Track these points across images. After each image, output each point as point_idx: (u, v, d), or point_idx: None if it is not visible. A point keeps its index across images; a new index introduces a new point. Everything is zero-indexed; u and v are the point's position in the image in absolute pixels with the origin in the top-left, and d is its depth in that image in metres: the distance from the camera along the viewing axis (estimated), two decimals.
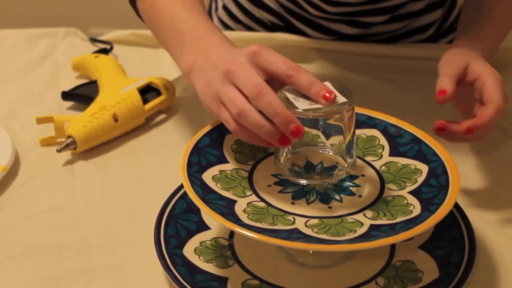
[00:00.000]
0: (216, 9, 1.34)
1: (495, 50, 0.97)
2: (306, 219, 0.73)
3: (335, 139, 0.77)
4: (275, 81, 0.77)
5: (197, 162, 0.78)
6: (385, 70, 1.20)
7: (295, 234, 0.70)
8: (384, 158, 0.82)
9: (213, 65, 0.81)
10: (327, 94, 0.73)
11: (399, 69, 1.21)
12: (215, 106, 0.79)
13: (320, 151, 0.79)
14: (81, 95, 1.10)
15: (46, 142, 1.02)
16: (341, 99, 0.74)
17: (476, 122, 0.83)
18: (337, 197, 0.76)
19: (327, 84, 0.76)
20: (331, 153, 0.78)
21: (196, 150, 0.80)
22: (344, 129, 0.75)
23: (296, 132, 0.72)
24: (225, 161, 0.80)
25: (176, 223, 0.83)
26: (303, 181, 0.77)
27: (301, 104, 0.74)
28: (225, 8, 1.31)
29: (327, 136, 0.77)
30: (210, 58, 0.82)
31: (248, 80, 0.75)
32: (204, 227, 0.84)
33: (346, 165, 0.77)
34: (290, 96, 0.75)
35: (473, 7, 1.00)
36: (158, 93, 1.09)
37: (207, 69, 0.81)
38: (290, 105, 0.74)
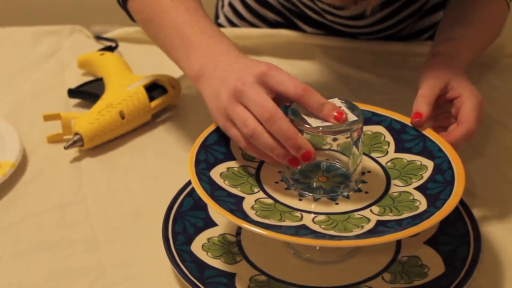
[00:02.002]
0: (222, 6, 1.35)
1: (474, 61, 0.97)
2: (314, 215, 0.74)
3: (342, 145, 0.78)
4: (282, 96, 0.77)
5: (204, 160, 0.79)
6: (389, 67, 1.21)
7: (302, 230, 0.70)
8: (389, 155, 0.82)
9: (222, 75, 0.81)
10: (337, 114, 0.74)
11: (403, 65, 1.21)
12: (222, 120, 0.79)
13: (327, 152, 0.79)
14: (88, 93, 1.10)
15: (54, 139, 1.02)
16: (351, 117, 0.75)
17: (445, 138, 0.83)
18: (344, 193, 0.77)
19: (336, 101, 0.76)
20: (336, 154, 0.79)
21: (204, 147, 0.80)
22: (351, 146, 0.76)
23: (307, 156, 0.73)
24: (232, 158, 0.81)
25: (184, 220, 0.84)
26: (306, 193, 0.77)
27: (313, 121, 0.75)
28: (230, 5, 1.32)
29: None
30: (219, 66, 0.82)
31: (258, 103, 0.75)
32: (211, 223, 0.85)
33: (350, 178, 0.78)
34: (301, 112, 0.76)
35: (455, 15, 1.00)
36: (164, 90, 1.09)
37: (216, 77, 0.82)
38: (301, 121, 0.75)
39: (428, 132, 0.83)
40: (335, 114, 0.74)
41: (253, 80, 0.77)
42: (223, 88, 0.79)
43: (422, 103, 0.85)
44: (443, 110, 0.89)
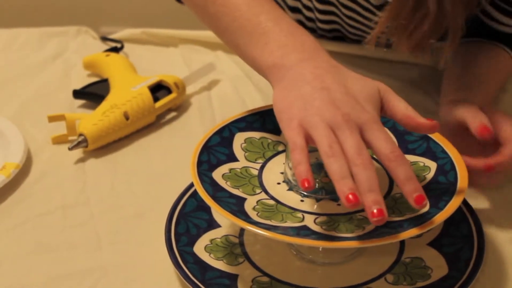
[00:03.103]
0: None
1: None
2: (315, 216, 0.73)
3: None
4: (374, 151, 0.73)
5: (207, 161, 0.79)
6: (397, 68, 1.20)
7: (304, 231, 0.70)
8: None
9: (315, 83, 0.74)
10: (417, 198, 0.68)
11: (409, 68, 1.20)
12: (295, 123, 0.72)
13: None
14: (92, 94, 1.10)
15: (58, 140, 1.03)
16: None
17: (497, 159, 0.83)
18: None
19: None
20: None
21: (206, 148, 0.80)
22: None
23: (378, 214, 0.66)
24: (235, 159, 0.81)
25: (187, 221, 0.84)
26: (308, 194, 0.77)
27: None
28: None
29: None
30: (309, 65, 0.76)
31: (355, 146, 0.69)
32: (214, 225, 0.84)
33: None
34: None
35: (462, 76, 0.99)
36: (168, 91, 1.09)
37: (302, 75, 0.75)
38: None
39: (432, 134, 0.82)
40: (416, 196, 0.68)
41: (354, 124, 0.71)
42: (315, 96, 0.73)
43: (482, 116, 0.84)
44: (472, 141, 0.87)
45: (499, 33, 1.00)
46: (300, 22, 1.22)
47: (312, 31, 1.24)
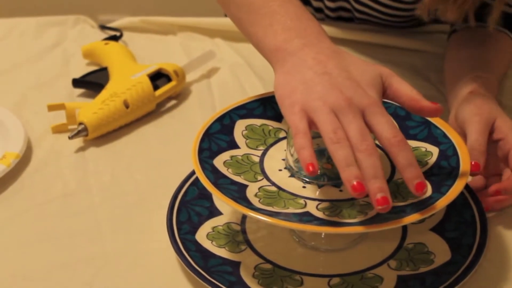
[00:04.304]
0: None
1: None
2: (318, 202, 0.73)
3: None
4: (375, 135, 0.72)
5: (208, 148, 0.78)
6: (395, 54, 1.20)
7: (306, 217, 0.70)
8: None
9: (317, 68, 0.73)
10: (417, 185, 0.68)
11: (409, 54, 1.20)
12: (298, 108, 0.71)
13: None
14: (92, 82, 1.10)
15: (58, 129, 1.02)
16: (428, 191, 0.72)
17: (505, 185, 0.82)
18: None
19: None
20: None
21: (207, 135, 0.80)
22: None
23: (382, 202, 0.66)
24: (236, 146, 0.80)
25: (188, 209, 0.84)
26: (310, 181, 0.77)
27: None
28: None
29: None
30: (312, 50, 0.75)
31: (358, 131, 0.69)
32: (216, 212, 0.84)
33: None
34: None
35: (472, 56, 1.01)
36: (168, 79, 1.09)
37: (304, 60, 0.74)
38: None
39: (433, 118, 0.82)
40: (416, 182, 0.68)
41: (357, 108, 0.70)
42: (316, 82, 0.72)
43: (477, 152, 0.82)
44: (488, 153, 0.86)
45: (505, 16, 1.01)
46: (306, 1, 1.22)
47: (318, 10, 1.24)
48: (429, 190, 0.73)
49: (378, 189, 0.66)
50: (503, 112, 0.89)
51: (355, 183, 0.66)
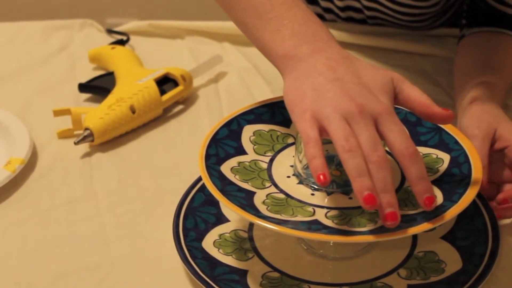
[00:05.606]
0: None
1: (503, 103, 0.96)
2: (327, 210, 0.72)
3: None
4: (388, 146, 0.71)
5: (215, 154, 0.77)
6: (405, 59, 1.19)
7: (315, 226, 0.69)
8: None
9: (328, 73, 0.72)
10: (427, 200, 0.67)
11: (419, 59, 1.19)
12: (309, 115, 0.70)
13: None
14: (98, 87, 1.09)
15: (64, 135, 1.02)
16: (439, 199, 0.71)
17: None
18: None
19: None
20: None
21: (214, 141, 0.79)
22: None
23: (391, 218, 0.66)
24: (243, 152, 0.79)
25: (195, 216, 0.83)
26: (318, 188, 0.75)
27: None
28: None
29: None
30: (321, 56, 0.74)
31: (370, 141, 0.67)
32: (223, 219, 0.83)
33: None
34: None
35: (479, 61, 1.00)
36: (175, 84, 1.08)
37: (314, 67, 0.73)
38: None
39: (444, 125, 0.81)
40: (426, 196, 0.67)
41: (369, 115, 0.69)
42: (328, 89, 0.71)
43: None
44: (493, 161, 0.85)
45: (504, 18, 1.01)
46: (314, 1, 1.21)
47: (328, 11, 1.23)
48: (440, 198, 0.72)
49: (387, 204, 0.66)
50: (506, 117, 0.88)
51: (366, 194, 0.65)
